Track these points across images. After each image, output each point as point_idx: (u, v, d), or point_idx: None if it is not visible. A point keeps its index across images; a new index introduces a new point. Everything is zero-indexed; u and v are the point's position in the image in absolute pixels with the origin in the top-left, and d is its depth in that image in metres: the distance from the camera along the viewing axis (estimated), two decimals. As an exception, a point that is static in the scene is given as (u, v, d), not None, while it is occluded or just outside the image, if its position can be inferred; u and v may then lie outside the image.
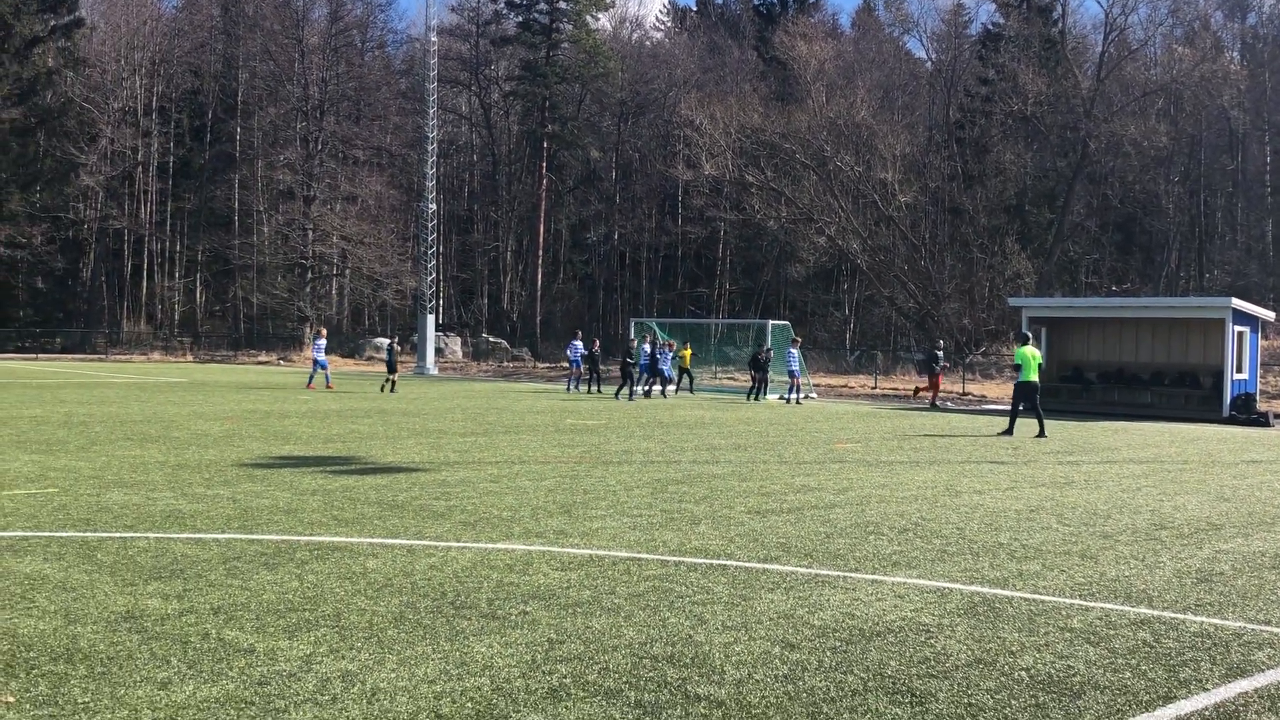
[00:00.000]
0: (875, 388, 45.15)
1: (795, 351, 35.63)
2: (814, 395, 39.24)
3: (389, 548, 9.39)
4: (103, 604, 7.28)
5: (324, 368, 35.91)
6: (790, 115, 62.87)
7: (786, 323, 44.75)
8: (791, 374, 35.24)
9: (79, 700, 5.44)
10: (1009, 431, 23.28)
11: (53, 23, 72.32)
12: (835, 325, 75.18)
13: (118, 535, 9.62)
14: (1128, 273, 75.02)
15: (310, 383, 35.62)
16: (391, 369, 34.74)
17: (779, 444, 19.97)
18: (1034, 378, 23.37)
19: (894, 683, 6.08)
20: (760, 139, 63.00)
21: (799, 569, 8.92)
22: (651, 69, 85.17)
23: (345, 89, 77.25)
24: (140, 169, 73.55)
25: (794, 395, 35.04)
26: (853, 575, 8.76)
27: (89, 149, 70.77)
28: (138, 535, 9.65)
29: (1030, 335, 25.52)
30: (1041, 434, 22.75)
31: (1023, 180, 71.20)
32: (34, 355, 62.93)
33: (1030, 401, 23.62)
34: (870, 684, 6.05)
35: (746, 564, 9.07)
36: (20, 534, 9.56)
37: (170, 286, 76.44)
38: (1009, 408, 24.77)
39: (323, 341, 37.21)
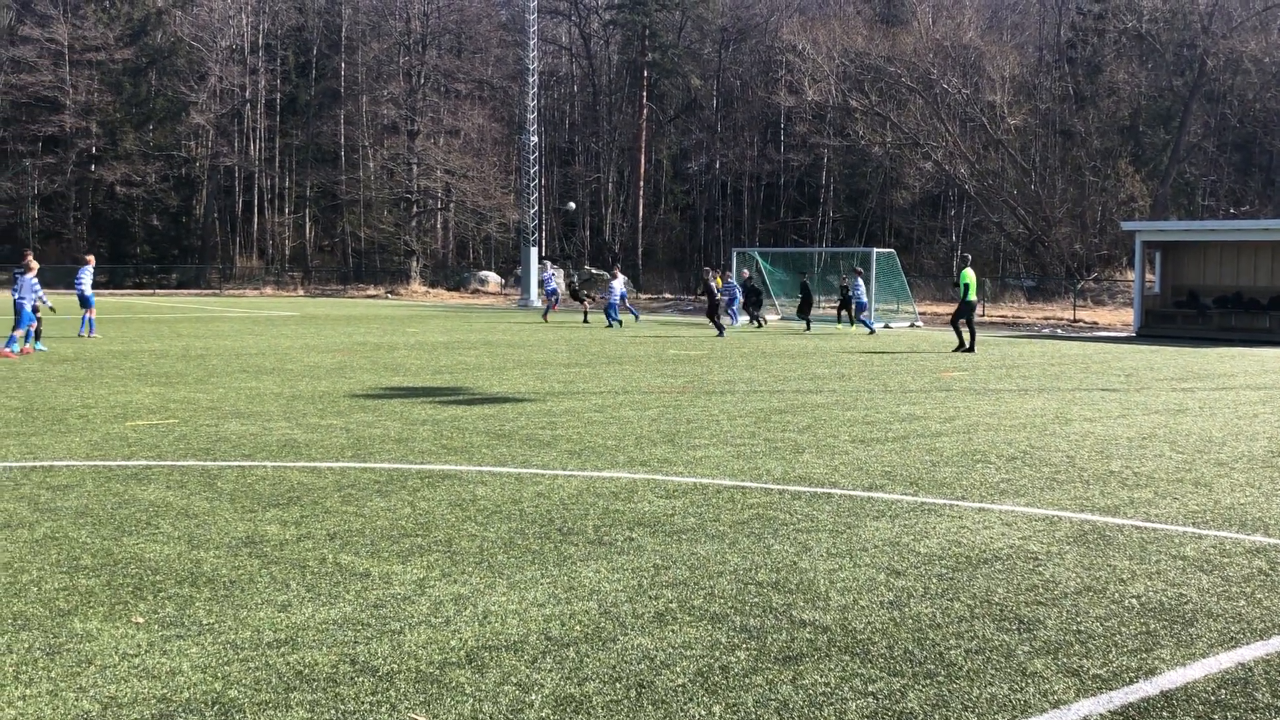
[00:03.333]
0: (983, 315, 44.46)
1: (859, 280, 34.74)
2: (920, 324, 38.77)
3: (497, 476, 9.55)
4: (224, 530, 7.53)
5: (553, 295, 37.11)
6: (895, 38, 61.57)
7: (891, 250, 44.14)
8: (860, 304, 34.54)
9: (204, 621, 5.65)
10: (967, 348, 25.15)
11: (160, -37, 73.54)
12: (942, 252, 73.95)
13: (236, 464, 9.93)
14: (1247, 194, 72.44)
15: (546, 315, 37.05)
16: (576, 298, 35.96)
17: (883, 373, 19.81)
18: (972, 298, 25.79)
19: (1001, 610, 6.05)
20: (864, 63, 61.86)
21: (904, 497, 8.89)
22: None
23: (447, 22, 77.45)
24: (248, 106, 74.77)
25: (861, 323, 34.18)
26: (959, 503, 8.70)
27: (199, 87, 72.12)
28: (256, 464, 9.94)
29: (970, 258, 28.01)
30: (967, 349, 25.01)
31: (1137, 100, 68.95)
32: (151, 291, 64.84)
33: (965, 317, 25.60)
34: (977, 611, 6.02)
35: (851, 492, 9.06)
36: (144, 463, 9.91)
37: (280, 222, 77.88)
38: (1110, 334, 26.23)
39: (551, 273, 38.31)
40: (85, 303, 26.82)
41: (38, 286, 21.78)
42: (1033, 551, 7.25)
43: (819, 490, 9.12)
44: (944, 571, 6.76)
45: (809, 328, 31.41)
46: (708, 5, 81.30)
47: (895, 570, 6.76)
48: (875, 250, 41.36)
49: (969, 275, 25.68)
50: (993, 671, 5.15)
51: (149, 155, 70.14)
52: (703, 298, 40.50)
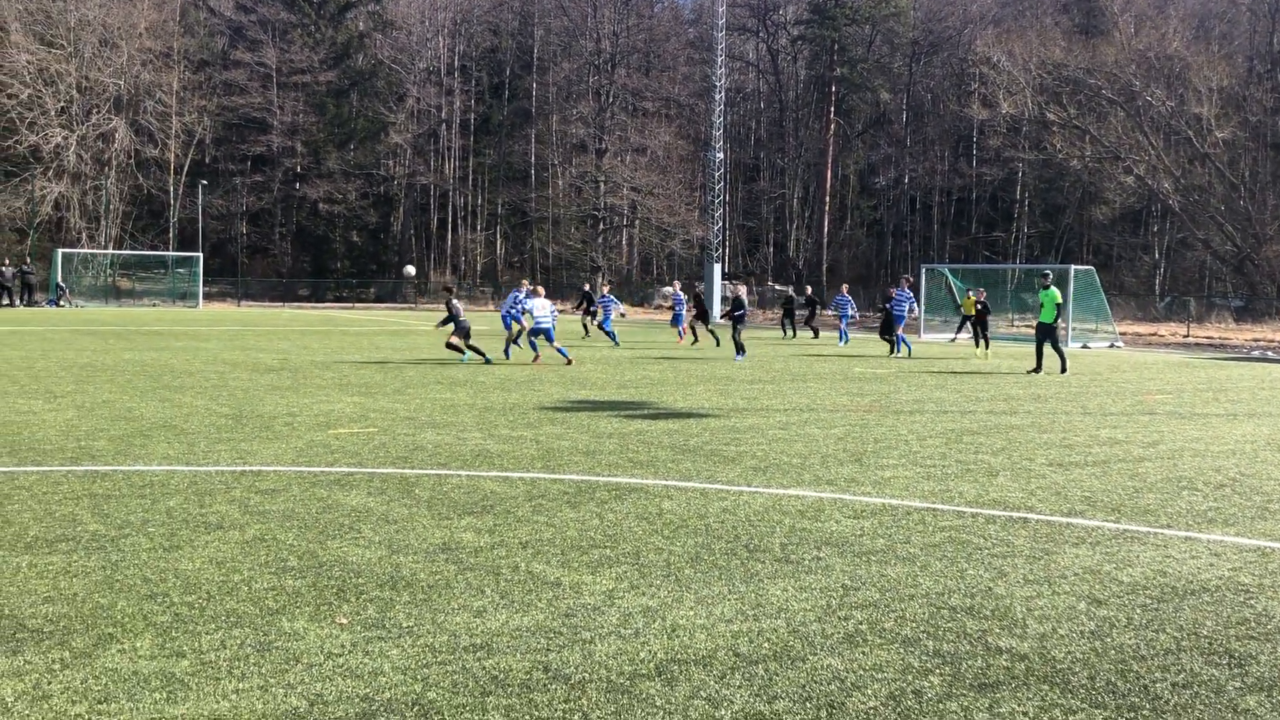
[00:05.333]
0: (1188, 336, 42.62)
1: (907, 291, 31.62)
2: (1120, 344, 37.41)
3: (683, 490, 9.60)
4: (421, 536, 7.77)
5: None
6: (1095, 49, 59.68)
7: (1090, 268, 42.73)
8: (898, 318, 32.83)
9: (403, 624, 5.84)
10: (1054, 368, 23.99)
11: (364, -12, 76.59)
12: (1144, 270, 71.20)
13: (433, 472, 10.23)
14: None
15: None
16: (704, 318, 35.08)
17: (1081, 395, 19.17)
18: (1048, 319, 23.99)
19: (1210, 643, 5.79)
20: (1062, 74, 60.12)
21: (1105, 524, 8.58)
22: (945, 6, 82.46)
23: (636, 41, 78.46)
24: (444, 126, 77.11)
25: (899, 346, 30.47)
26: (1164, 532, 8.36)
27: (397, 108, 74.77)
28: (451, 473, 10.23)
29: (1050, 274, 25.67)
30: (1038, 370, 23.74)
31: (1358, 110, 65.11)
32: (350, 305, 67.36)
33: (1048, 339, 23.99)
34: (1184, 643, 5.78)
35: (1048, 517, 8.80)
36: (346, 470, 10.30)
37: (472, 239, 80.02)
38: None
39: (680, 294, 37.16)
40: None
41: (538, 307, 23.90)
42: (1244, 584, 6.91)
43: (1014, 515, 8.88)
44: (1148, 602, 6.50)
45: (893, 350, 29.23)
46: (899, 19, 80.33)
47: (1096, 599, 6.54)
48: (1073, 267, 40.07)
49: (1053, 295, 23.96)
50: (1201, 707, 4.93)
51: (350, 174, 72.95)
52: (878, 314, 39.49)
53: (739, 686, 5.05)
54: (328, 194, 70.96)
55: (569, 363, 23.06)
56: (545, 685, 5.01)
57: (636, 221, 76.93)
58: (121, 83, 66.45)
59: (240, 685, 4.93)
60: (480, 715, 4.66)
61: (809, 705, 4.85)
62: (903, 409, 16.28)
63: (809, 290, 41.17)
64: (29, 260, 57.63)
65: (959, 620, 6.09)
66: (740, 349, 25.76)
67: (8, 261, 56.70)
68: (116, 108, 66.60)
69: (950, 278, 44.07)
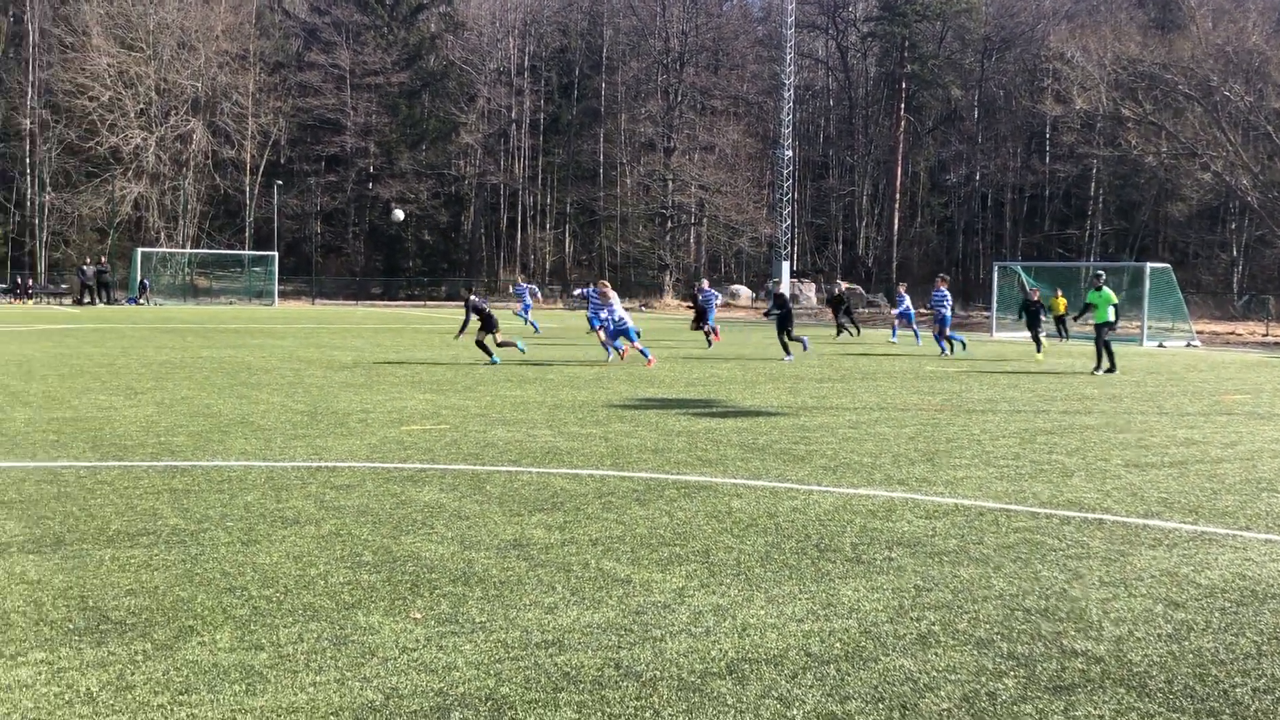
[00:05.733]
0: (1266, 335, 41.74)
1: (945, 291, 30.25)
2: (1197, 344, 36.72)
3: (752, 489, 9.58)
4: (493, 532, 7.82)
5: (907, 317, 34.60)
6: (1171, 44, 58.60)
7: (1166, 265, 41.98)
8: (905, 316, 31.89)
9: (476, 620, 5.88)
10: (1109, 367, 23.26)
11: (435, -10, 77.29)
12: (1221, 267, 69.80)
13: (504, 469, 10.29)
14: None
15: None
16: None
17: (1157, 395, 18.84)
18: (1105, 319, 23.34)
19: (1294, 650, 5.66)
20: (1138, 70, 59.07)
21: (1182, 525, 8.43)
22: (1018, 2, 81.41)
23: (704, 40, 78.36)
24: (514, 126, 77.53)
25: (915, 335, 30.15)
26: (1244, 534, 8.19)
27: (468, 109, 75.32)
28: (521, 469, 10.28)
29: (1104, 275, 24.77)
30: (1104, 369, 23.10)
31: None
32: (422, 302, 67.95)
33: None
34: (1265, 648, 5.66)
35: (1124, 519, 8.66)
36: (419, 466, 10.40)
37: (541, 237, 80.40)
38: None
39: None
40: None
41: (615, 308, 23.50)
42: (1329, 589, 6.76)
43: (1089, 516, 8.75)
44: (1227, 605, 6.38)
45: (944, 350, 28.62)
46: (970, 15, 79.43)
47: (1174, 602, 6.42)
48: (1149, 265, 39.41)
49: (1107, 295, 23.43)
50: (1285, 715, 4.83)
51: (421, 173, 73.61)
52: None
53: (811, 686, 5.03)
54: (400, 193, 71.65)
55: (650, 363, 22.56)
56: (617, 682, 5.02)
57: (704, 219, 76.81)
58: (199, 85, 67.57)
59: (317, 678, 5.00)
60: (553, 711, 4.68)
61: (881, 706, 4.82)
62: (975, 408, 16.10)
63: (841, 286, 40.68)
64: (104, 259, 58.83)
65: (1033, 622, 6.02)
66: (786, 350, 25.33)
67: (89, 260, 57.97)
68: (194, 109, 67.74)
69: (1023, 275, 43.51)
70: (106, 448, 11.09)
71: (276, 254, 64.68)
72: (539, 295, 29.99)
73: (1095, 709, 4.82)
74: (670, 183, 73.53)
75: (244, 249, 68.61)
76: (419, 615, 5.92)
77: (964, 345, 29.51)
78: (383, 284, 72.14)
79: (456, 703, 4.75)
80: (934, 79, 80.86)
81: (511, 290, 33.30)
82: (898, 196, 79.99)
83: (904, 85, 79.69)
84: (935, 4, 78.89)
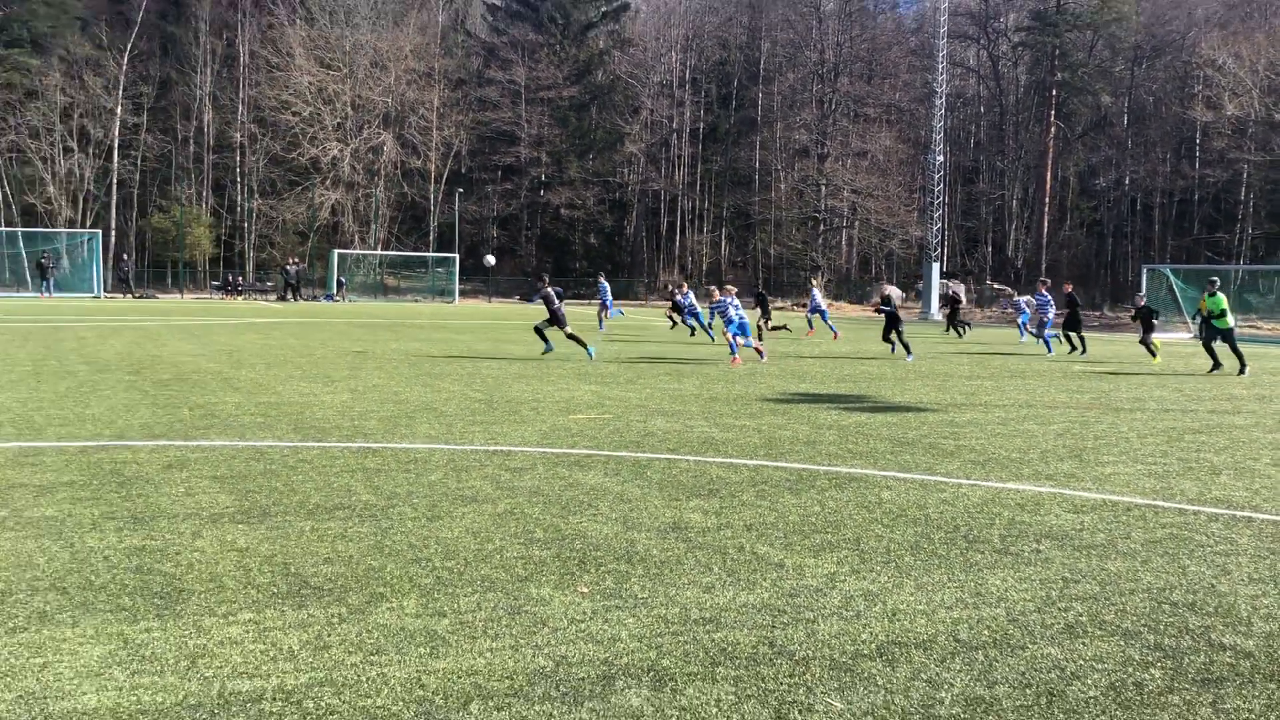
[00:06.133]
0: None
1: (1045, 293, 29.33)
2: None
3: (901, 481, 9.42)
4: (653, 515, 7.87)
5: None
6: (1328, 47, 55.46)
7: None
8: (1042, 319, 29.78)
9: (638, 596, 5.93)
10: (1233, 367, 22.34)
11: (604, 9, 78.07)
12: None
13: (663, 456, 10.34)
14: None
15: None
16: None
17: (1309, 396, 17.87)
18: (1226, 324, 22.24)
19: None
20: (1292, 74, 56.07)
21: (1336, 526, 7.98)
22: (1169, 9, 77.98)
23: (859, 50, 77.32)
24: (675, 135, 77.77)
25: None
26: (1401, 537, 7.72)
27: (632, 120, 75.83)
28: (679, 457, 10.32)
29: (1218, 281, 23.03)
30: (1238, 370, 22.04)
31: None
32: (588, 301, 68.70)
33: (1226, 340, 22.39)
34: None
35: (1273, 517, 8.24)
36: (585, 451, 10.53)
37: (699, 240, 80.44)
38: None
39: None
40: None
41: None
42: None
43: (1238, 513, 8.36)
44: (1384, 607, 6.02)
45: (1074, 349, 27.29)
46: (1121, 24, 76.46)
47: (1327, 601, 6.09)
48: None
49: (1219, 300, 22.15)
50: None
51: (589, 181, 74.41)
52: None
53: (959, 671, 4.93)
54: (569, 200, 72.62)
55: (762, 358, 22.21)
56: (771, 659, 5.01)
57: (856, 222, 75.76)
58: (389, 100, 69.56)
59: (494, 644, 5.11)
60: (710, 684, 4.69)
61: (1029, 692, 4.69)
62: (1122, 407, 15.53)
63: (950, 288, 39.65)
64: (295, 259, 61.14)
65: (1180, 615, 5.78)
66: (893, 346, 24.85)
67: (291, 261, 60.30)
68: (385, 123, 69.78)
69: (1173, 279, 41.81)
70: (307, 429, 11.51)
71: (457, 256, 66.23)
72: (679, 296, 28.98)
73: (1244, 703, 4.61)
74: (823, 187, 72.77)
75: (428, 251, 70.40)
76: (586, 589, 6.00)
77: (1049, 350, 28.49)
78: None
79: (621, 672, 4.80)
80: (1084, 86, 78.07)
81: (672, 292, 32.74)
82: (1047, 200, 77.56)
83: (1054, 92, 77.18)
84: (1086, 13, 76.18)
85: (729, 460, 10.23)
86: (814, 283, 36.98)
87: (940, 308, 35.29)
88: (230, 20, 68.45)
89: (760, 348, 22.51)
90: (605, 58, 78.13)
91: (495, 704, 4.45)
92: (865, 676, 4.82)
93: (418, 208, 73.00)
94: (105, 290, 56.15)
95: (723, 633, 5.34)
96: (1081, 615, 5.76)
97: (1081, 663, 5.06)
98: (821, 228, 74.71)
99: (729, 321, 22.09)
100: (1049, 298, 29.44)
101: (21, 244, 59.24)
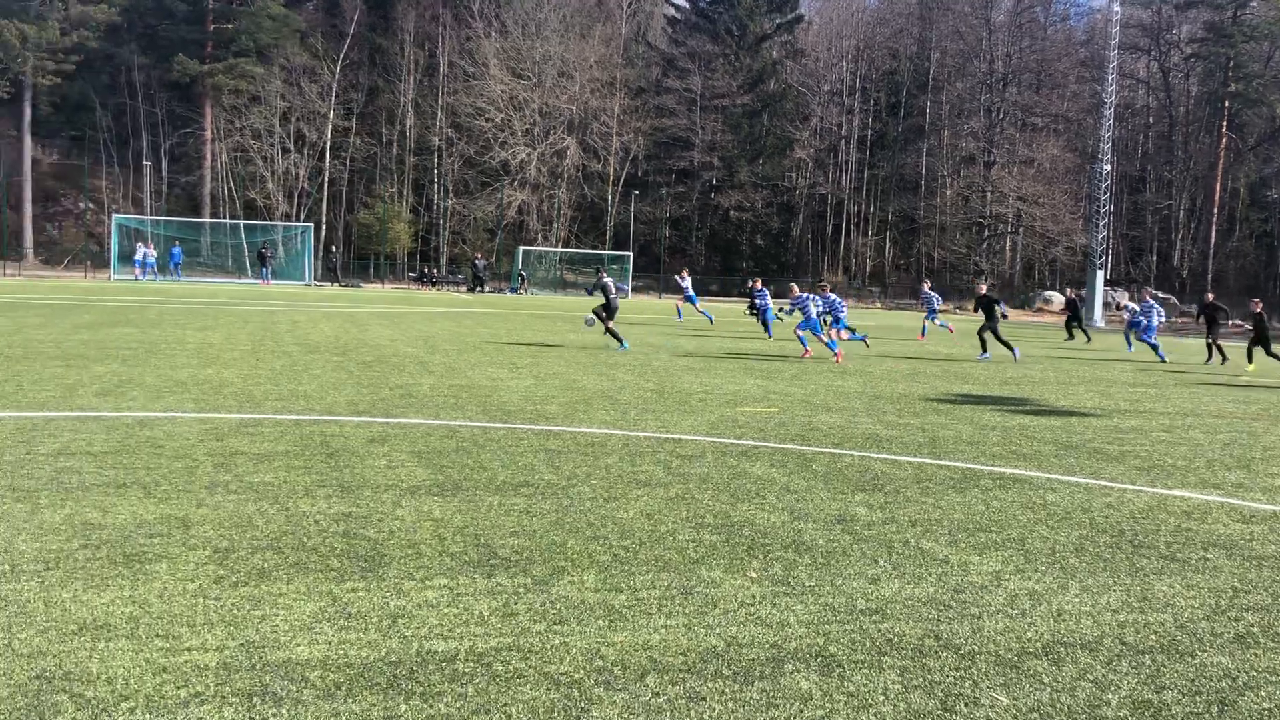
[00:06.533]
0: None
1: (1150, 300, 27.43)
2: None
3: (1066, 484, 9.06)
4: (819, 506, 7.76)
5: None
6: None
7: None
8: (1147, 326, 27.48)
9: (805, 583, 5.85)
10: None
11: (778, 20, 77.54)
12: None
13: (828, 450, 10.20)
14: None
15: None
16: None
17: None
18: None
19: None
20: None
21: None
22: (1353, 18, 72.96)
23: (1028, 61, 74.81)
24: (843, 142, 76.70)
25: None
26: None
27: (802, 126, 75.12)
28: (844, 452, 10.16)
29: None
30: None
31: None
32: (735, 300, 68.42)
33: None
34: None
35: None
36: (752, 443, 10.46)
37: (863, 243, 79.18)
38: None
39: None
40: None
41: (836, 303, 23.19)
42: None
43: None
44: None
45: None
46: (1301, 33, 71.90)
47: None
48: None
49: None
50: None
51: (758, 185, 74.05)
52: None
53: (1126, 674, 4.70)
54: (738, 202, 72.42)
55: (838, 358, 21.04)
56: (936, 652, 4.87)
57: (1020, 229, 73.35)
58: (574, 108, 70.58)
59: (668, 622, 5.11)
60: (877, 673, 4.60)
61: (1198, 699, 4.45)
62: (1294, 419, 14.61)
63: (1070, 292, 37.61)
64: (485, 254, 62.64)
65: (1361, 634, 5.39)
66: (1010, 347, 23.81)
67: (480, 255, 61.87)
68: (569, 129, 70.84)
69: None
70: (494, 411, 11.77)
71: (631, 254, 66.84)
72: (815, 301, 26.74)
73: None
74: (989, 194, 70.72)
75: (604, 249, 71.22)
76: (754, 575, 5.96)
77: (1162, 358, 27.12)
78: (719, 282, 73.10)
79: (789, 656, 4.74)
80: (1259, 98, 73.73)
81: (750, 289, 31.85)
82: (1215, 211, 73.60)
83: (1227, 104, 73.15)
84: (1264, 24, 71.93)
85: (893, 456, 10.03)
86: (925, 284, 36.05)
87: (1061, 310, 33.83)
88: (432, 32, 70.54)
89: (839, 353, 21.36)
90: (778, 67, 77.57)
91: (670, 678, 4.45)
92: (1031, 674, 4.65)
93: (596, 208, 73.90)
94: (315, 279, 58.66)
95: (889, 623, 5.23)
96: (1253, 626, 5.43)
97: (1254, 673, 4.77)
98: (986, 233, 72.62)
99: (806, 318, 21.66)
100: (1155, 305, 28.11)
101: (243, 235, 62.48)
